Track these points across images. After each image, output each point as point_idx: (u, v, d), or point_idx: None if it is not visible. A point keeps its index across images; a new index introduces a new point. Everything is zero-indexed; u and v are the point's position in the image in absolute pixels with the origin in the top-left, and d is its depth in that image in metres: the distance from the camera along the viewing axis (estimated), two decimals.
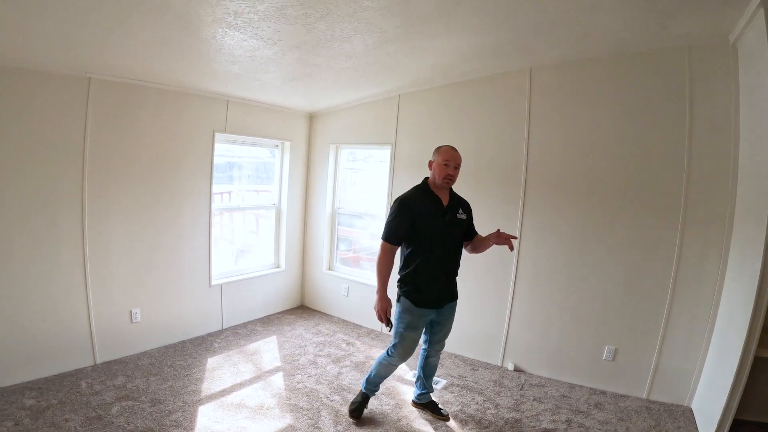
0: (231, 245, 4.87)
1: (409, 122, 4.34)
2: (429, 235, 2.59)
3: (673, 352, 3.24)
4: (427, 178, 2.72)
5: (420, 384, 3.04)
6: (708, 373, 3.09)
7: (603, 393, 3.44)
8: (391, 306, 2.66)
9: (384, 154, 4.62)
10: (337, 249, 5.12)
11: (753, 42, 2.60)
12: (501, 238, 2.59)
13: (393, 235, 2.59)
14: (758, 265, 2.45)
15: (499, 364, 3.89)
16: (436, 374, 3.33)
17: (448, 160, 2.59)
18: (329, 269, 5.13)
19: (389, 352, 2.76)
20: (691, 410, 3.21)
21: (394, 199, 2.67)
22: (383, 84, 4.06)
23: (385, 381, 3.03)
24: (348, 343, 4.23)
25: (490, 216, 3.73)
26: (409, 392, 3.31)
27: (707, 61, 3.04)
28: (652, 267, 3.28)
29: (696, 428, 2.99)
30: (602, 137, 3.42)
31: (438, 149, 2.67)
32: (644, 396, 3.37)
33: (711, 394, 2.92)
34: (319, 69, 3.47)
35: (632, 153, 3.32)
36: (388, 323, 2.66)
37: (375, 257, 2.73)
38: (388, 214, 2.65)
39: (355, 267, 5.12)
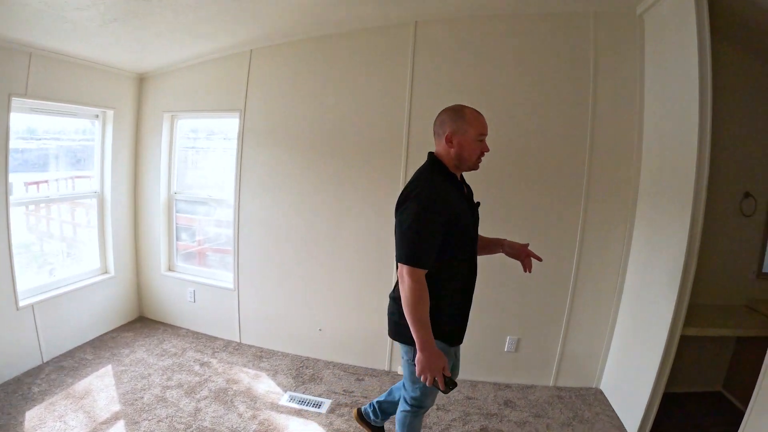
0: (43, 250, 3.56)
1: (264, 84, 3.42)
2: (465, 241, 1.77)
3: (579, 336, 3.11)
4: (436, 157, 1.80)
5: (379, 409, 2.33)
6: (617, 353, 3.05)
7: (508, 386, 3.12)
8: (447, 361, 1.67)
9: (231, 126, 3.65)
10: (177, 240, 3.97)
11: (664, 16, 2.62)
12: (524, 255, 2.00)
13: (426, 254, 1.61)
14: (684, 246, 2.38)
15: (387, 369, 3.32)
16: (318, 395, 2.86)
17: (484, 133, 1.75)
18: (170, 270, 4.00)
19: (419, 405, 1.93)
20: (600, 391, 3.15)
21: (412, 193, 1.67)
22: (233, 33, 3.16)
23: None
24: (202, 364, 3.27)
25: (362, 199, 3.22)
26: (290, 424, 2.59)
27: (613, 29, 2.89)
28: (555, 247, 3.01)
29: (611, 408, 2.93)
30: (499, 104, 3.00)
31: (463, 115, 1.73)
32: (551, 383, 3.20)
33: (624, 373, 2.92)
34: (150, 5, 2.51)
35: (532, 123, 2.98)
36: (450, 384, 1.67)
37: (403, 297, 1.63)
38: (405, 217, 1.64)
39: (202, 265, 4.07)
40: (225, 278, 3.74)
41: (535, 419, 2.75)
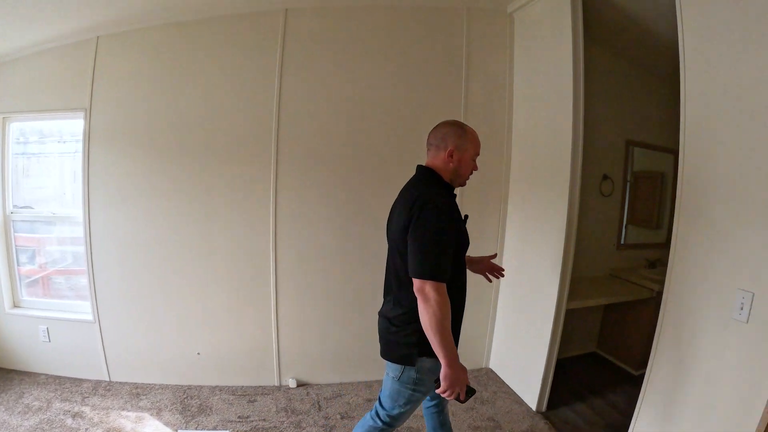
0: None
1: (114, 77, 2.87)
2: (463, 255, 1.74)
3: (466, 320, 3.06)
4: (433, 170, 1.71)
5: None
6: (501, 332, 3.28)
7: None
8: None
9: (73, 128, 3.06)
10: (17, 265, 3.29)
11: (535, 16, 2.81)
12: (486, 269, 2.10)
13: (447, 266, 1.53)
14: (563, 228, 2.58)
15: (278, 384, 3.09)
16: (213, 428, 2.59)
17: (479, 153, 1.76)
18: (15, 307, 3.29)
19: (392, 424, 1.81)
20: (491, 370, 3.35)
21: (425, 202, 1.53)
22: (75, 15, 2.60)
23: None
24: (74, 415, 2.74)
25: (229, 204, 2.89)
26: None
27: (484, 25, 3.00)
28: None
29: (506, 385, 3.12)
30: (374, 97, 2.92)
31: (465, 133, 1.70)
32: None
33: (512, 349, 3.16)
34: None
35: (407, 116, 2.95)
36: (470, 392, 1.61)
37: (426, 315, 1.50)
38: (419, 229, 1.52)
39: (49, 293, 3.39)
40: (82, 309, 3.16)
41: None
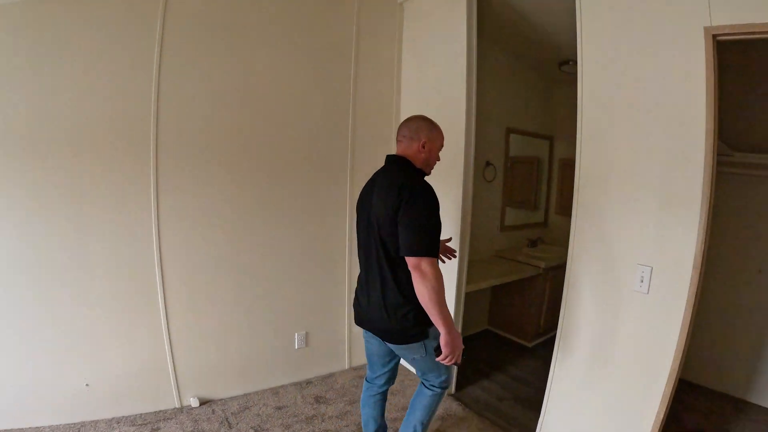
0: None
1: None
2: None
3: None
4: (407, 159, 1.85)
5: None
6: None
7: (309, 382, 3.03)
8: None
9: None
10: None
11: (426, 7, 2.88)
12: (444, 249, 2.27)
13: (436, 244, 1.66)
14: (459, 215, 2.72)
15: (179, 405, 2.74)
16: None
17: (443, 146, 1.95)
18: None
19: (440, 386, 1.99)
20: None
21: (416, 187, 1.68)
22: None
23: None
24: None
25: (103, 214, 2.41)
26: None
27: (375, 12, 2.99)
28: (329, 230, 3.01)
29: (410, 371, 3.17)
30: (262, 85, 2.71)
31: (436, 127, 1.89)
32: (347, 366, 3.22)
33: None
34: None
35: (299, 104, 2.82)
36: (463, 354, 1.84)
37: (425, 290, 1.61)
38: (414, 212, 1.64)
39: None
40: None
41: (352, 407, 2.72)
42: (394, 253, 1.70)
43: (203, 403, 2.74)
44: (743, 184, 2.83)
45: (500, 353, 3.55)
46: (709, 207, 1.66)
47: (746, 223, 2.86)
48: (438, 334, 1.70)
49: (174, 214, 2.54)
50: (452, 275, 2.73)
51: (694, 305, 1.72)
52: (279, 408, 2.72)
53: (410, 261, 1.62)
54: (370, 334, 1.95)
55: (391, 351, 1.96)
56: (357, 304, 1.97)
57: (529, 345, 3.66)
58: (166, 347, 2.62)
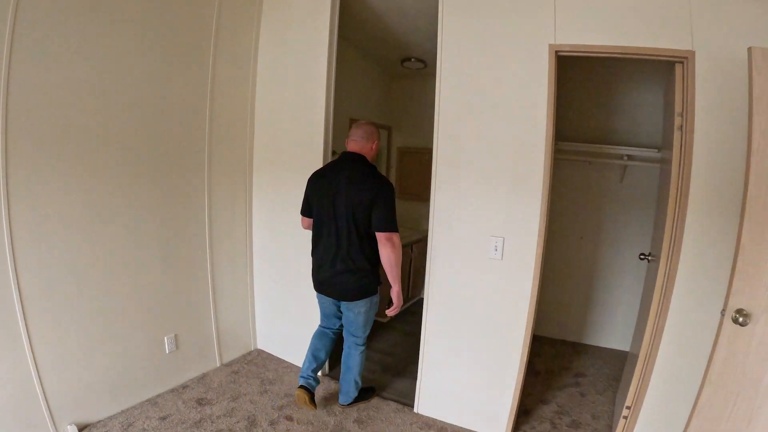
0: None
1: None
2: None
3: (227, 309, 3.06)
4: (363, 156, 2.32)
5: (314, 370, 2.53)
6: (263, 312, 3.27)
7: (185, 386, 2.74)
8: None
9: None
10: None
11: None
12: None
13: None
14: None
15: None
16: None
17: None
18: None
19: (364, 343, 2.52)
20: (261, 350, 3.30)
21: (386, 183, 2.23)
22: None
23: None
24: None
25: None
26: None
27: (236, 3, 2.82)
28: (186, 227, 2.74)
29: (283, 360, 3.15)
30: (117, 74, 2.27)
31: (377, 131, 2.39)
32: (218, 364, 3.02)
33: (278, 326, 3.21)
34: None
35: (155, 94, 2.45)
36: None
37: (393, 255, 2.18)
38: (388, 200, 2.19)
39: None
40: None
41: (234, 402, 2.56)
42: (364, 230, 2.19)
43: (82, 429, 2.26)
44: (566, 167, 3.54)
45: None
46: (549, 186, 2.09)
47: (569, 198, 3.59)
48: (376, 297, 2.36)
49: (24, 224, 1.99)
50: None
51: (541, 267, 2.16)
52: (163, 418, 2.40)
53: (384, 235, 2.15)
54: (325, 298, 2.42)
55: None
56: (320, 274, 2.35)
57: (384, 321, 3.94)
58: (33, 374, 2.05)
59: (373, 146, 2.33)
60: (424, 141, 4.48)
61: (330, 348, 2.56)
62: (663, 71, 2.56)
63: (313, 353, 2.49)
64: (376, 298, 2.36)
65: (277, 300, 3.14)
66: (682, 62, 1.85)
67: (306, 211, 2.38)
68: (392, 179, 4.79)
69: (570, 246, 3.70)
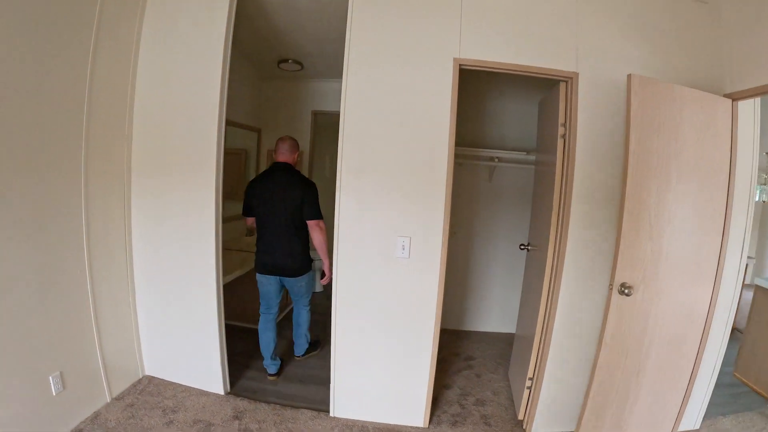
0: None
1: None
2: None
3: (111, 334, 2.68)
4: (290, 164, 2.94)
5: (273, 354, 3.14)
6: (152, 333, 2.93)
7: (80, 431, 2.33)
8: None
9: None
10: None
11: None
12: None
13: None
14: (212, 206, 2.95)
15: None
16: None
17: None
18: None
19: (308, 304, 3.24)
20: (152, 377, 2.97)
21: (310, 183, 2.91)
22: None
23: None
24: None
25: None
26: None
27: None
28: (64, 250, 2.34)
29: (179, 384, 2.89)
30: None
31: (297, 144, 3.04)
32: (108, 399, 2.64)
33: (175, 345, 2.91)
34: None
35: (27, 89, 2.03)
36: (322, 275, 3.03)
37: (322, 237, 2.88)
38: (314, 196, 2.86)
39: None
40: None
41: None
42: (299, 221, 2.83)
43: None
44: (458, 169, 3.79)
45: (243, 343, 3.47)
46: (451, 188, 2.29)
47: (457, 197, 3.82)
48: (312, 272, 3.10)
49: None
50: (206, 267, 2.69)
51: (445, 263, 2.36)
52: None
53: (313, 222, 2.84)
54: (269, 279, 2.93)
55: (281, 289, 3.02)
56: (266, 258, 2.88)
57: (320, 291, 4.07)
58: None
59: (296, 156, 3.00)
60: None
61: (275, 332, 3.09)
62: (541, 87, 2.97)
63: (266, 344, 3.03)
64: (312, 272, 3.12)
65: (168, 320, 2.84)
66: (567, 81, 2.20)
67: (248, 212, 2.95)
68: None
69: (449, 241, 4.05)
